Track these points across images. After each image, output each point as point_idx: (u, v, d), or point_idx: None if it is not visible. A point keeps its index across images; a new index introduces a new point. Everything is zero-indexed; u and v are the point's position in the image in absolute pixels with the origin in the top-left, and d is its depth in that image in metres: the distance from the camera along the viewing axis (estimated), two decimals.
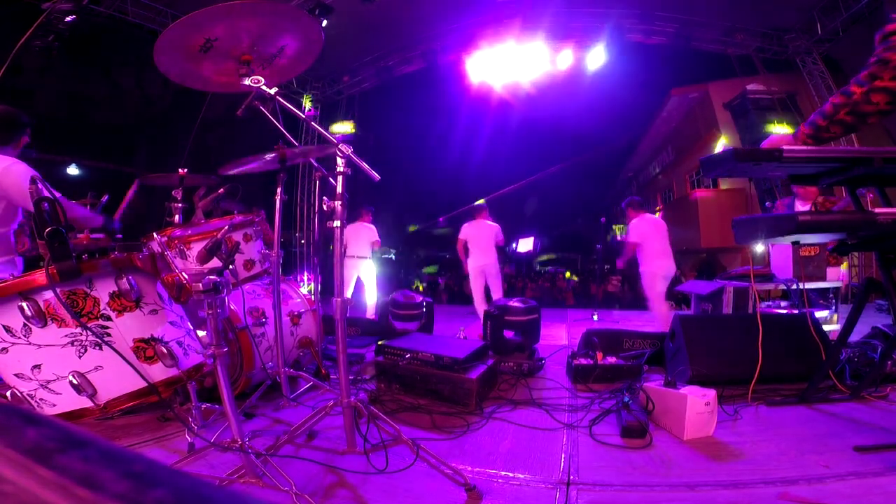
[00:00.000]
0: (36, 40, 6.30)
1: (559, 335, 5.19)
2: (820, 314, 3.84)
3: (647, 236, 4.79)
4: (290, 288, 3.06)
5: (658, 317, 4.91)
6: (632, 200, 5.11)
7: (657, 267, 4.78)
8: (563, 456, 2.02)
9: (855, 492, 1.64)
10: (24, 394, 1.27)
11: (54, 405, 1.27)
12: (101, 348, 1.27)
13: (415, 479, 1.76)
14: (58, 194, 1.44)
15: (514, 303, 3.57)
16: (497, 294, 5.62)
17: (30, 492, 0.21)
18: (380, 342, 3.05)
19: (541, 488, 1.76)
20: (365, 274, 5.95)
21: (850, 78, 1.69)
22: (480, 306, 5.62)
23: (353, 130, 10.63)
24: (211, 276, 1.47)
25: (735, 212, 13.04)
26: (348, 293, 5.99)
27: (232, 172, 2.21)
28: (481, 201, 6.14)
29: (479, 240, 5.64)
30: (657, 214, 7.80)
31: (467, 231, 5.70)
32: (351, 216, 6.12)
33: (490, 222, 5.75)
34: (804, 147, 1.80)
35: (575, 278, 17.87)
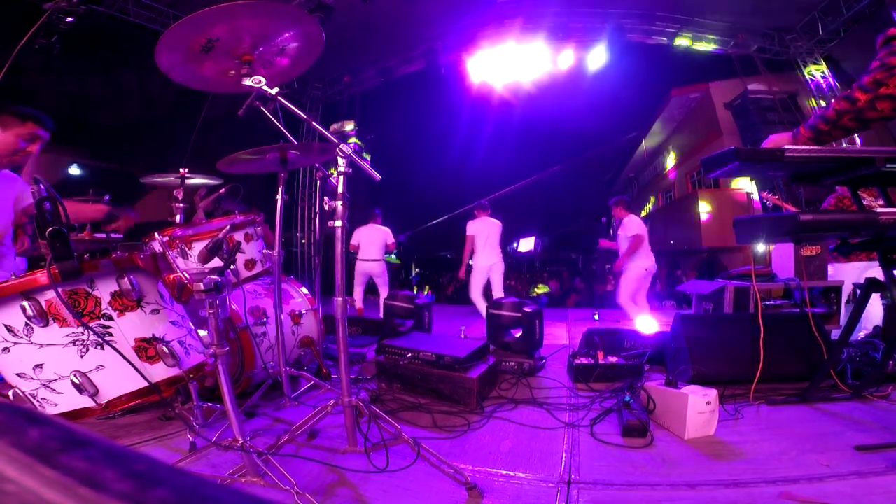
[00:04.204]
0: (37, 40, 6.30)
1: (560, 335, 5.19)
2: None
3: (645, 232, 4.91)
4: (292, 287, 3.06)
5: (631, 314, 4.98)
6: (621, 199, 5.15)
7: (649, 264, 4.91)
8: (564, 455, 2.02)
9: (856, 491, 1.63)
10: (27, 393, 1.27)
11: (56, 405, 1.27)
12: (102, 348, 1.27)
13: (416, 478, 1.76)
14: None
15: (509, 300, 3.59)
16: (499, 292, 5.61)
17: (32, 491, 0.21)
18: (381, 341, 3.05)
19: (542, 487, 1.76)
20: (378, 275, 5.93)
21: (852, 79, 1.69)
22: (482, 305, 5.56)
23: (354, 131, 10.61)
24: (212, 276, 1.47)
25: (736, 212, 13.04)
26: (358, 294, 5.98)
27: (233, 171, 2.21)
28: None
29: (488, 237, 5.58)
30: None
31: (475, 227, 5.63)
32: (363, 218, 6.11)
33: (493, 219, 5.72)
34: (806, 147, 1.80)
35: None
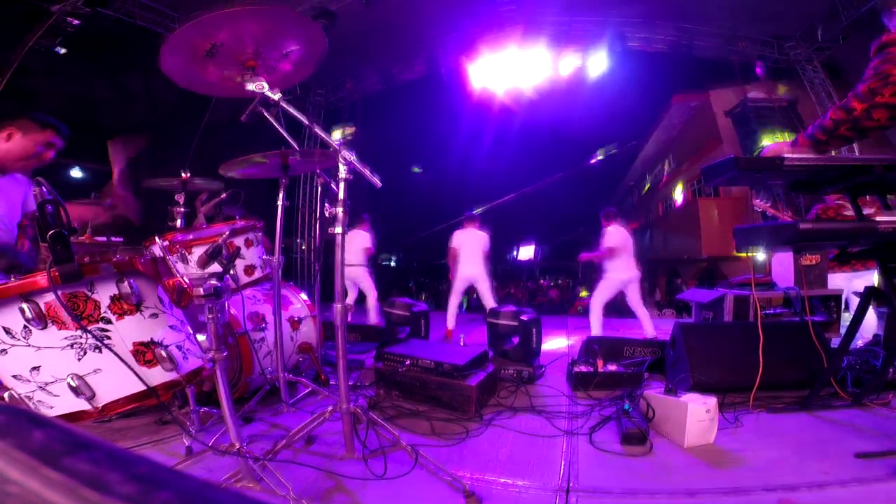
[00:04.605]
0: (41, 42, 6.34)
1: (560, 343, 5.18)
2: None
3: (622, 244, 4.93)
4: (291, 293, 3.06)
5: (594, 321, 5.02)
6: (607, 211, 5.22)
7: (625, 276, 4.91)
8: (562, 463, 2.02)
9: (856, 498, 1.63)
10: (22, 395, 1.27)
11: (52, 407, 1.27)
12: (100, 351, 1.27)
13: (413, 485, 1.75)
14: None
15: (507, 309, 3.57)
16: (490, 303, 5.63)
17: (35, 493, 0.21)
18: (380, 348, 3.05)
19: (540, 495, 1.75)
20: (361, 281, 5.91)
21: (852, 86, 1.69)
22: (453, 312, 5.62)
23: (350, 136, 10.65)
24: (212, 281, 1.47)
25: (736, 220, 13.07)
26: (350, 299, 5.96)
27: (234, 175, 2.22)
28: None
29: (469, 248, 5.66)
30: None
31: (458, 239, 5.72)
32: (349, 223, 6.06)
33: (479, 231, 5.77)
34: (805, 156, 1.81)
35: (584, 293, 17.58)
